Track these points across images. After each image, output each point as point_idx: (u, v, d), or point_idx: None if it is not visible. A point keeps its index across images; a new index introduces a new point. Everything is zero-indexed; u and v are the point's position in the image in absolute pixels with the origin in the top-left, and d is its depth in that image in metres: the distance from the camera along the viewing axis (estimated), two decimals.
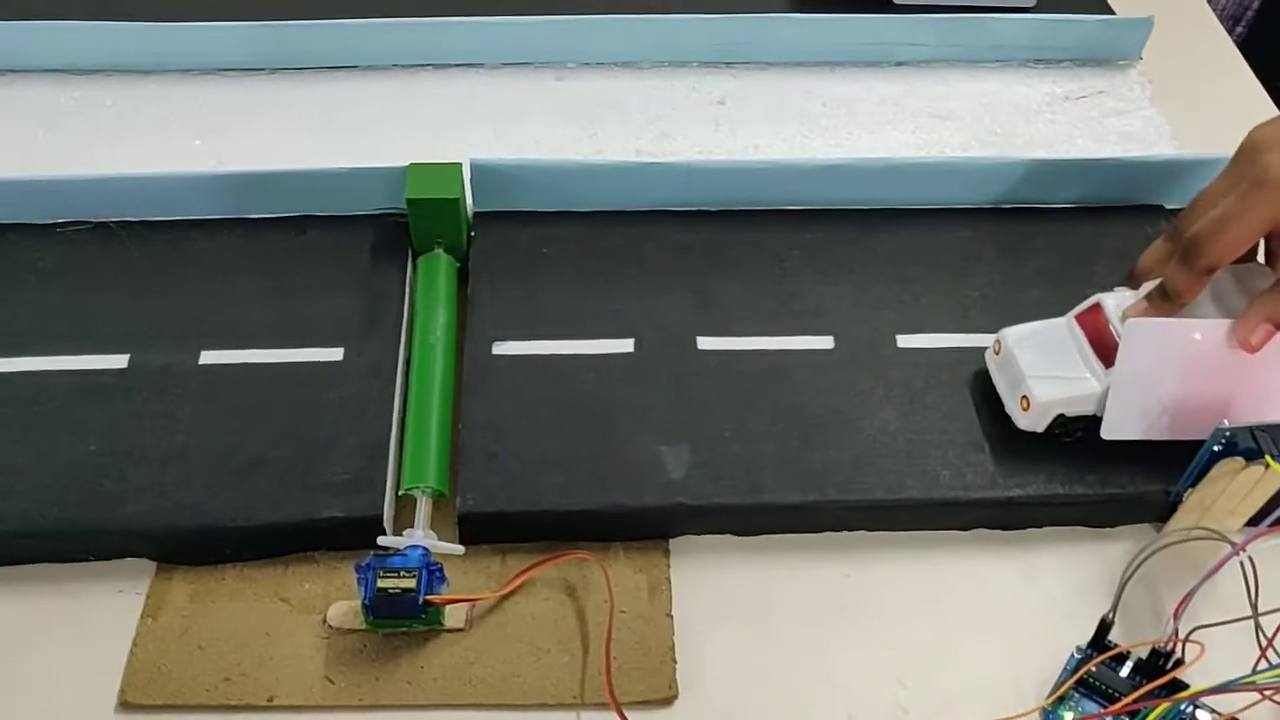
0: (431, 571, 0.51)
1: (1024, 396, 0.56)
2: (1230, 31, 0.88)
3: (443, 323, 0.61)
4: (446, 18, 0.76)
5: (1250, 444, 0.51)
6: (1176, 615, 0.48)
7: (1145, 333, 0.53)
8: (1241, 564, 0.49)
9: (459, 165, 0.64)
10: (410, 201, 0.63)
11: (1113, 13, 0.82)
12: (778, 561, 0.56)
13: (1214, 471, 0.53)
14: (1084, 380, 0.56)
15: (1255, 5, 1.01)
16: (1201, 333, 0.54)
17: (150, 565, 0.55)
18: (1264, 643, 0.48)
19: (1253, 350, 0.53)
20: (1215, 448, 0.52)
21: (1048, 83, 0.77)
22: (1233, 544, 0.47)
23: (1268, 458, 0.50)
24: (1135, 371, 0.54)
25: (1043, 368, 0.57)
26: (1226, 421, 0.51)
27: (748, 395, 0.59)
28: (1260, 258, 0.58)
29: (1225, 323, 0.54)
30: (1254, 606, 0.49)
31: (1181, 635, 0.49)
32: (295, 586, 0.54)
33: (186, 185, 0.65)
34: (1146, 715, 0.49)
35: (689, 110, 0.74)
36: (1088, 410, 0.56)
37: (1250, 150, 0.53)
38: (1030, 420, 0.56)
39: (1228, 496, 0.54)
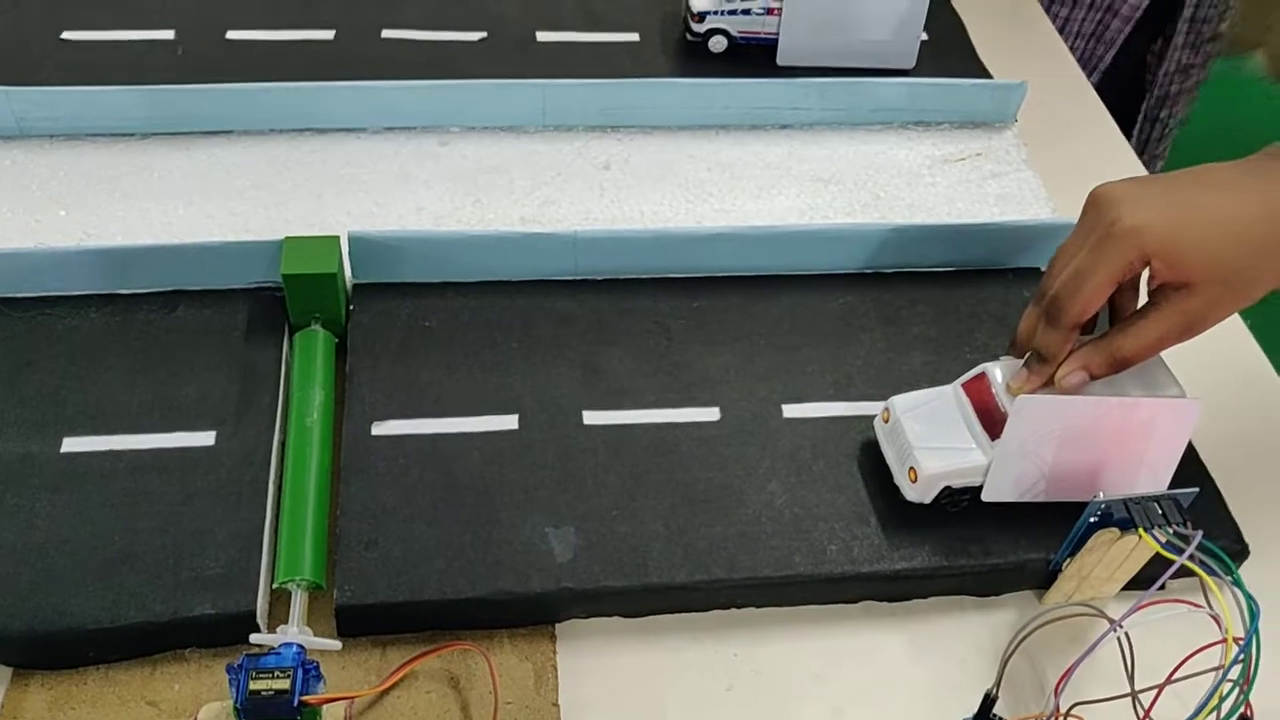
0: (307, 670, 0.49)
1: (911, 468, 0.56)
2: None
3: (319, 403, 0.60)
4: (327, 82, 0.75)
5: (1124, 515, 0.52)
6: (1057, 691, 0.48)
7: (1032, 409, 0.54)
8: (1119, 639, 0.49)
9: (336, 238, 0.63)
10: (286, 277, 0.61)
11: (990, 76, 0.84)
12: (666, 643, 0.55)
13: (1090, 542, 0.53)
14: (970, 452, 0.56)
15: (1109, 58, 1.05)
16: (1083, 409, 0.54)
17: (5, 671, 0.52)
18: (1141, 715, 0.48)
19: (1064, 391, 0.55)
20: (1091, 519, 0.53)
21: (927, 145, 0.78)
22: (1110, 620, 0.48)
23: (1140, 530, 0.51)
24: (1019, 443, 0.55)
25: (930, 439, 0.57)
26: (1102, 495, 0.52)
27: (634, 471, 0.58)
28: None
29: (1106, 400, 0.55)
30: (1131, 680, 0.49)
31: (1063, 710, 0.50)
32: (164, 689, 0.52)
33: (50, 260, 0.63)
34: None
35: (574, 175, 0.74)
36: (974, 482, 0.56)
37: (1094, 205, 0.55)
38: (918, 492, 0.57)
39: (1104, 565, 0.55)
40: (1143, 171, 0.82)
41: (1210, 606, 0.48)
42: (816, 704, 0.54)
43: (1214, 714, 0.46)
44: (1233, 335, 0.72)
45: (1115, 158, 0.83)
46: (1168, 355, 0.64)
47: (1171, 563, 0.50)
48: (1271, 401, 0.69)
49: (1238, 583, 0.48)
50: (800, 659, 0.55)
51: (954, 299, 0.68)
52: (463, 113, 0.76)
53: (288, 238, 0.63)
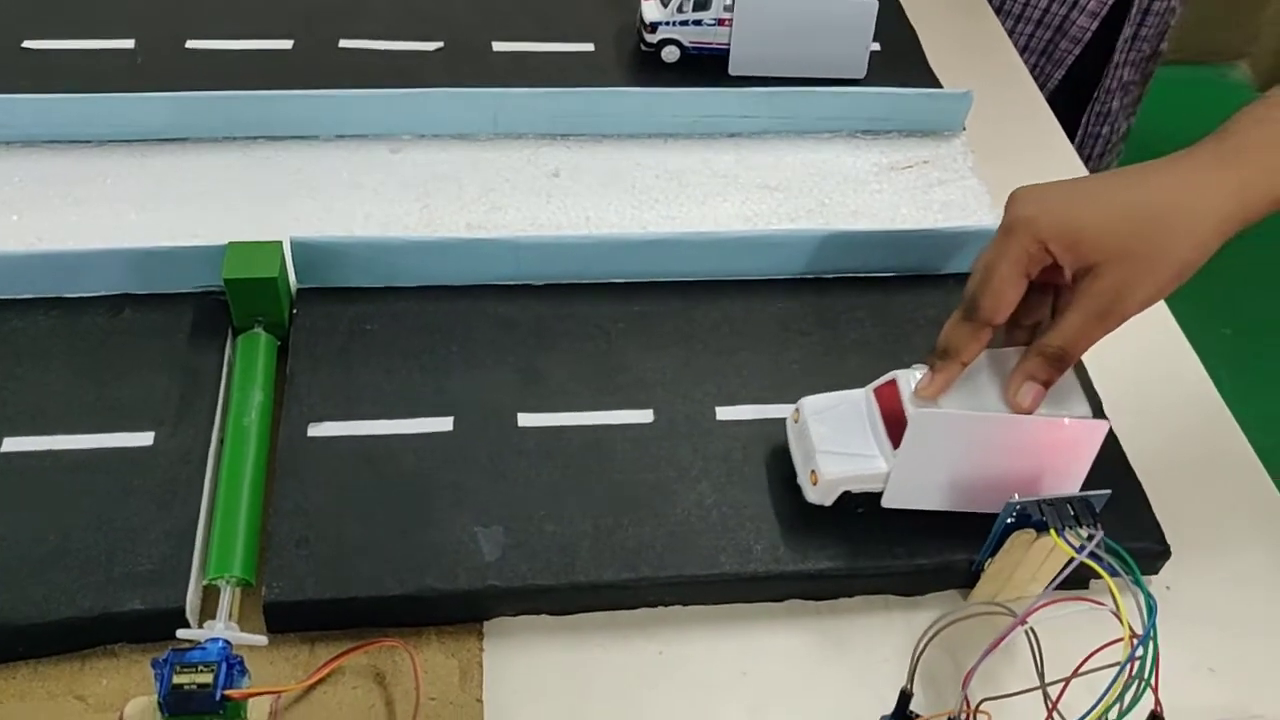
0: (231, 665, 0.50)
1: (813, 470, 0.57)
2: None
3: (258, 404, 0.61)
4: (280, 90, 0.76)
5: (1039, 517, 0.53)
6: (964, 686, 0.49)
7: (928, 423, 0.54)
8: (1027, 634, 0.50)
9: (279, 244, 0.64)
10: (228, 281, 0.62)
11: (939, 85, 0.85)
12: (592, 641, 0.56)
13: (1008, 543, 0.54)
14: (872, 459, 0.57)
15: (1058, 75, 1.06)
16: (978, 425, 0.55)
17: None
18: (1049, 707, 0.49)
19: (1026, 411, 0.55)
20: (1008, 520, 0.54)
21: (875, 153, 0.79)
22: (1013, 614, 0.49)
23: (1052, 531, 0.52)
24: (918, 454, 0.55)
25: (834, 443, 0.57)
26: (1017, 496, 0.53)
27: (566, 472, 0.59)
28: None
29: (1002, 417, 0.55)
30: (1040, 675, 0.50)
31: (974, 705, 0.50)
32: (93, 683, 0.53)
33: None
34: None
35: (522, 183, 0.75)
36: (874, 488, 0.57)
37: (1006, 205, 0.56)
38: (818, 495, 0.57)
39: (1025, 567, 0.55)
40: (1084, 174, 0.83)
41: (1116, 603, 0.49)
42: (738, 701, 0.54)
43: (1115, 707, 0.46)
44: (1168, 342, 0.73)
45: (1062, 167, 0.84)
46: (1103, 366, 0.65)
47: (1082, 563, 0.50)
48: (1202, 406, 0.70)
49: (1137, 581, 0.49)
50: (724, 657, 0.56)
51: (893, 304, 0.69)
52: (414, 121, 0.77)
53: (231, 243, 0.64)
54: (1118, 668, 0.46)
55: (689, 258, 0.68)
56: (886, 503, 0.57)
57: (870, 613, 0.58)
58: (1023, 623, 0.48)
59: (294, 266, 0.66)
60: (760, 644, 0.57)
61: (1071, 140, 1.10)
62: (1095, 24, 1.04)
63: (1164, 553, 0.59)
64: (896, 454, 0.55)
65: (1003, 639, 0.48)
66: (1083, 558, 0.49)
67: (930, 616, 0.58)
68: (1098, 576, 0.52)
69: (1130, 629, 0.47)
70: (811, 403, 0.59)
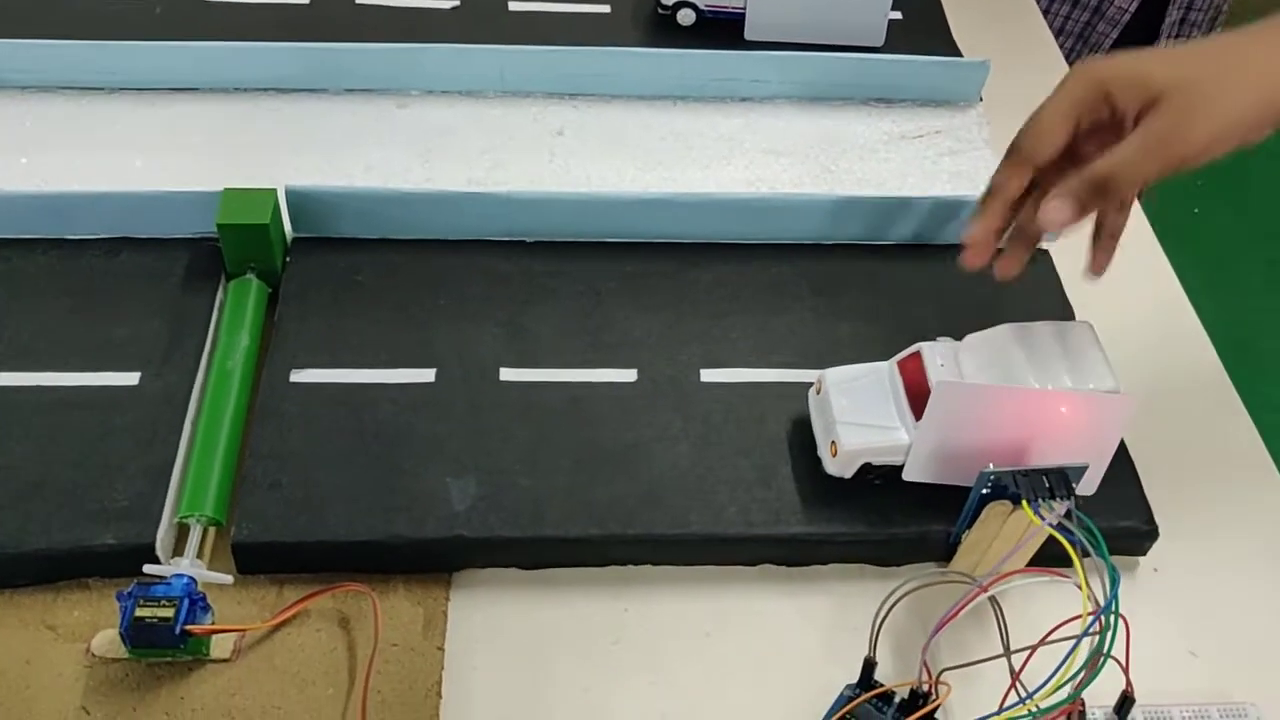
0: (194, 601, 0.51)
1: (833, 442, 0.56)
2: None
3: (244, 348, 0.61)
4: (290, 43, 0.76)
5: (1014, 488, 0.52)
6: (924, 653, 0.48)
7: (952, 393, 0.53)
8: (993, 605, 0.49)
9: (273, 191, 0.64)
10: (221, 226, 0.63)
11: (959, 54, 0.83)
12: (559, 596, 0.56)
13: (984, 515, 0.53)
14: (894, 431, 0.56)
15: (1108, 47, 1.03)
16: (1004, 396, 0.53)
17: None
18: (1012, 676, 0.48)
19: (1053, 227, 0.53)
20: (983, 490, 0.52)
21: (887, 122, 0.78)
22: (971, 580, 0.48)
23: (1024, 502, 0.50)
24: (940, 425, 0.53)
25: (855, 414, 0.56)
26: (992, 465, 0.52)
27: (543, 428, 0.59)
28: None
29: (1028, 389, 0.54)
30: (1006, 645, 0.49)
31: (935, 674, 0.49)
32: (64, 614, 0.53)
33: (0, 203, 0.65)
34: None
35: (526, 140, 0.74)
36: (896, 460, 0.56)
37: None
38: (838, 466, 0.56)
39: (1002, 540, 0.54)
40: None
41: (1083, 578, 0.48)
42: (701, 662, 0.54)
43: (1073, 681, 0.45)
44: (1181, 322, 0.71)
45: None
46: (1108, 342, 0.64)
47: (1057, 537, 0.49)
48: (1210, 388, 0.67)
49: (1101, 554, 0.47)
50: (691, 618, 0.55)
51: (890, 272, 0.68)
52: (422, 76, 0.77)
53: (226, 189, 0.64)
54: (1089, 640, 0.45)
55: (683, 219, 0.67)
56: (907, 476, 0.56)
57: (844, 581, 0.57)
58: (984, 591, 0.47)
59: (289, 215, 0.66)
60: (728, 607, 0.56)
61: None
62: (1134, 5, 1.01)
63: (1151, 532, 0.58)
64: (918, 426, 0.54)
65: (961, 608, 0.47)
66: (1046, 526, 0.48)
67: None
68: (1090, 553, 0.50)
69: (1096, 602, 0.46)
70: (835, 374, 0.58)
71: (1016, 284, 0.68)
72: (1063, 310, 0.67)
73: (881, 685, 0.52)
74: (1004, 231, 0.58)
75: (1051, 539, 0.51)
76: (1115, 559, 0.58)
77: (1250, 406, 0.67)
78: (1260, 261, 1.55)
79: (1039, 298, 0.67)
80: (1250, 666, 0.55)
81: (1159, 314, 0.71)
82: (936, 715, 0.51)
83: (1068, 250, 0.70)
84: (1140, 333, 0.69)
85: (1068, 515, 0.50)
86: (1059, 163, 0.55)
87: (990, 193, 0.56)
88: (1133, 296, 0.72)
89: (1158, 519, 0.58)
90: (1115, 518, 0.58)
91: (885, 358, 0.59)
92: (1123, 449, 0.60)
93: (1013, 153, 0.55)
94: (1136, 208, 0.78)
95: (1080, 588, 0.46)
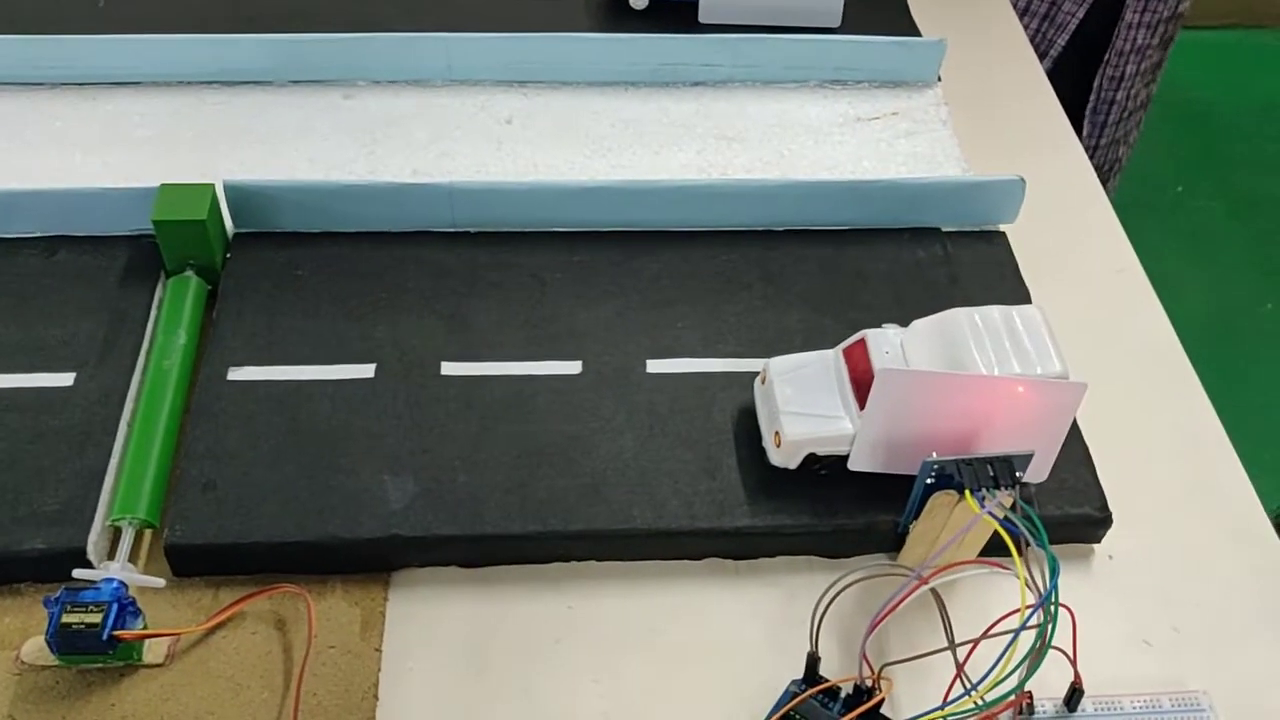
0: (123, 606, 0.50)
1: (776, 432, 0.55)
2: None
3: (181, 347, 0.60)
4: (234, 35, 0.75)
5: (958, 477, 0.50)
6: (862, 648, 0.47)
7: (895, 381, 0.52)
8: (936, 597, 0.48)
9: (210, 186, 0.63)
10: (157, 223, 0.62)
11: (919, 34, 0.82)
12: (501, 594, 0.55)
13: (930, 505, 0.52)
14: (838, 420, 0.54)
15: (1060, 41, 1.02)
16: (949, 383, 0.52)
17: None
18: (956, 669, 0.47)
19: None
20: (928, 480, 0.51)
21: (842, 104, 0.76)
22: (910, 571, 0.47)
23: (967, 491, 0.49)
24: (884, 413, 0.52)
25: (800, 404, 0.55)
26: (935, 454, 0.51)
27: (485, 422, 0.58)
28: None
29: (975, 376, 0.52)
30: (950, 638, 0.48)
31: (877, 670, 0.48)
32: None
33: None
34: None
35: (474, 129, 0.73)
36: (841, 450, 0.54)
37: None
38: (782, 457, 0.55)
39: (950, 530, 0.53)
40: (1069, 133, 0.80)
41: (1027, 568, 0.47)
42: (644, 659, 0.53)
43: (1016, 673, 0.44)
44: (1140, 302, 0.70)
45: (1044, 123, 0.81)
46: (1066, 325, 0.63)
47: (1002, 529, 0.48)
48: (1165, 367, 0.66)
49: (1042, 543, 0.46)
50: (636, 614, 0.54)
51: (842, 258, 0.67)
52: (368, 66, 0.75)
53: (163, 185, 0.63)
54: (1031, 632, 0.44)
55: (631, 206, 0.66)
56: (853, 465, 0.54)
57: (792, 574, 0.56)
58: (924, 584, 0.46)
59: (230, 210, 0.65)
60: (674, 602, 0.55)
61: (1082, 108, 1.07)
62: None
63: (1105, 520, 0.57)
64: (862, 414, 0.53)
65: (899, 602, 0.46)
66: (985, 515, 0.47)
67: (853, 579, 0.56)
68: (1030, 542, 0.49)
69: (1039, 592, 0.45)
70: (779, 364, 0.57)
71: (972, 267, 0.67)
72: (1019, 293, 0.66)
73: (826, 680, 0.51)
74: None
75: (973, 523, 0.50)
76: (1069, 547, 0.58)
77: (1226, 385, 0.66)
78: (1239, 239, 1.55)
79: (994, 280, 0.66)
80: (1205, 655, 0.54)
81: (1118, 295, 0.70)
82: (884, 710, 0.50)
83: (1023, 232, 0.69)
84: (1098, 315, 0.68)
85: (993, 500, 0.48)
86: None
87: None
88: (1091, 277, 0.71)
89: (1113, 506, 0.57)
90: (1069, 505, 0.57)
91: (837, 345, 0.58)
92: (1077, 434, 0.59)
93: None
94: (1096, 186, 0.77)
95: (1020, 579, 0.45)
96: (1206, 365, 0.68)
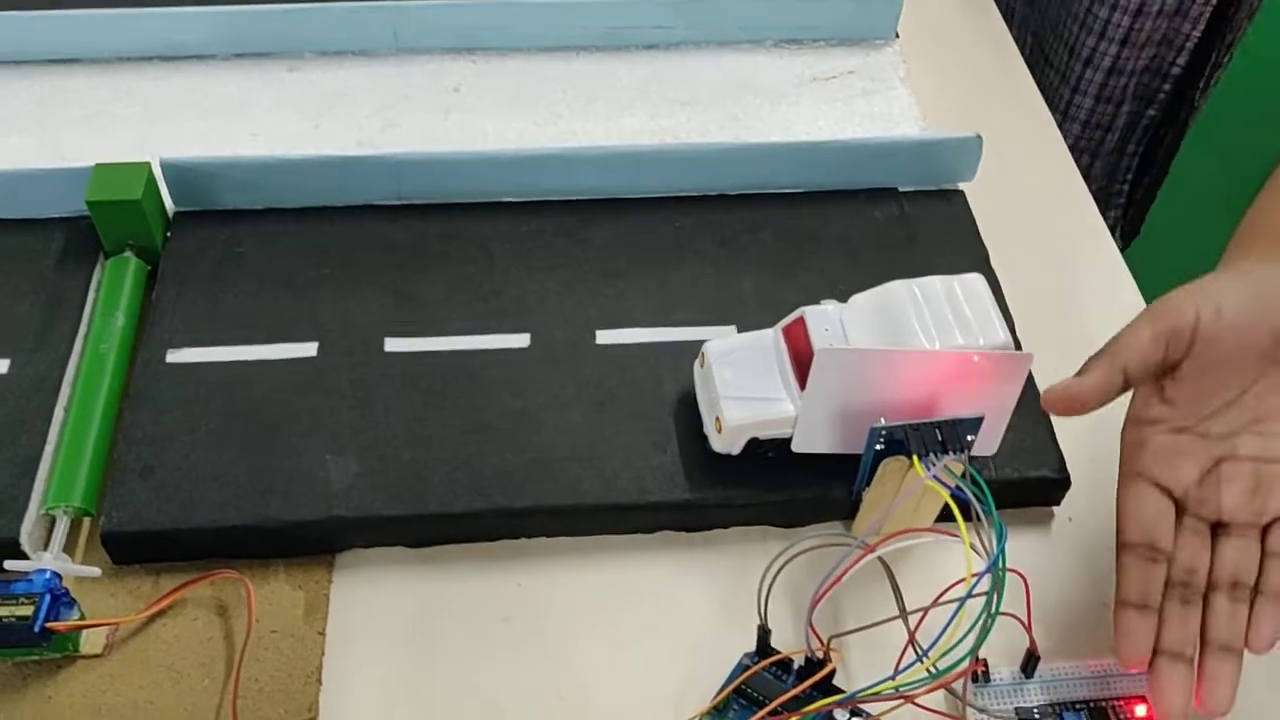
0: (57, 597, 0.49)
1: (717, 418, 0.53)
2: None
3: (119, 330, 0.59)
4: (174, 8, 0.73)
5: (907, 443, 0.49)
6: (809, 620, 0.46)
7: (835, 360, 0.50)
8: (884, 564, 0.47)
9: (146, 165, 0.62)
10: (91, 203, 0.60)
11: None
12: (449, 573, 0.54)
13: (880, 471, 0.51)
14: (778, 402, 0.53)
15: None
16: (890, 360, 0.50)
17: None
18: (908, 637, 0.46)
19: (1268, 648, 0.46)
20: (877, 446, 0.50)
21: (799, 64, 0.75)
22: (854, 540, 0.46)
23: (914, 457, 0.48)
24: (825, 393, 0.51)
25: (739, 387, 0.53)
26: (883, 420, 0.49)
27: (429, 399, 0.57)
28: None
29: (917, 352, 0.51)
30: (901, 607, 0.47)
31: (826, 640, 0.47)
32: None
33: None
34: None
35: (421, 99, 0.71)
36: (784, 433, 0.53)
37: None
38: (724, 443, 0.53)
39: (904, 496, 0.52)
40: (1030, 87, 0.78)
41: (977, 534, 0.45)
42: (596, 636, 0.52)
43: (965, 641, 0.43)
44: (1102, 258, 0.69)
45: (1006, 80, 0.79)
46: (1029, 288, 0.62)
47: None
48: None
49: (989, 509, 0.45)
50: (588, 591, 0.53)
51: (798, 221, 0.65)
52: (313, 37, 0.74)
53: (97, 164, 0.61)
54: (958, 602, 0.43)
55: (580, 174, 0.64)
56: (797, 447, 0.53)
57: (747, 544, 0.55)
58: (870, 552, 0.45)
59: (168, 189, 0.63)
60: (628, 578, 0.54)
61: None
62: None
63: (1063, 482, 0.56)
64: (802, 395, 0.51)
65: (845, 571, 0.45)
66: (929, 477, 0.46)
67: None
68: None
69: (988, 558, 0.44)
70: (716, 347, 0.55)
71: (930, 228, 0.66)
72: (977, 252, 0.64)
73: (779, 653, 0.50)
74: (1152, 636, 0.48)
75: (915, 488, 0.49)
76: (1028, 510, 0.57)
77: None
78: (1216, 196, 1.52)
79: (952, 240, 0.65)
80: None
81: (1080, 253, 0.69)
82: (837, 681, 0.49)
83: (982, 189, 0.68)
84: (1060, 274, 0.67)
85: (939, 465, 0.47)
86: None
87: (1120, 602, 0.48)
88: (1053, 235, 0.69)
89: (1075, 468, 0.56)
90: (1027, 468, 0.56)
91: (793, 310, 0.56)
92: (1036, 398, 0.58)
93: (1126, 547, 0.48)
94: (1058, 139, 0.76)
95: (977, 547, 0.44)
96: None
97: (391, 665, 0.51)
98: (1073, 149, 0.78)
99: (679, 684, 0.50)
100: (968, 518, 0.46)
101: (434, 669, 0.51)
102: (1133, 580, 0.48)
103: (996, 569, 0.43)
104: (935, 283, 0.53)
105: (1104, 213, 0.74)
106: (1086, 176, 0.76)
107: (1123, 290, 0.67)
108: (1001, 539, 0.43)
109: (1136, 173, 1.00)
